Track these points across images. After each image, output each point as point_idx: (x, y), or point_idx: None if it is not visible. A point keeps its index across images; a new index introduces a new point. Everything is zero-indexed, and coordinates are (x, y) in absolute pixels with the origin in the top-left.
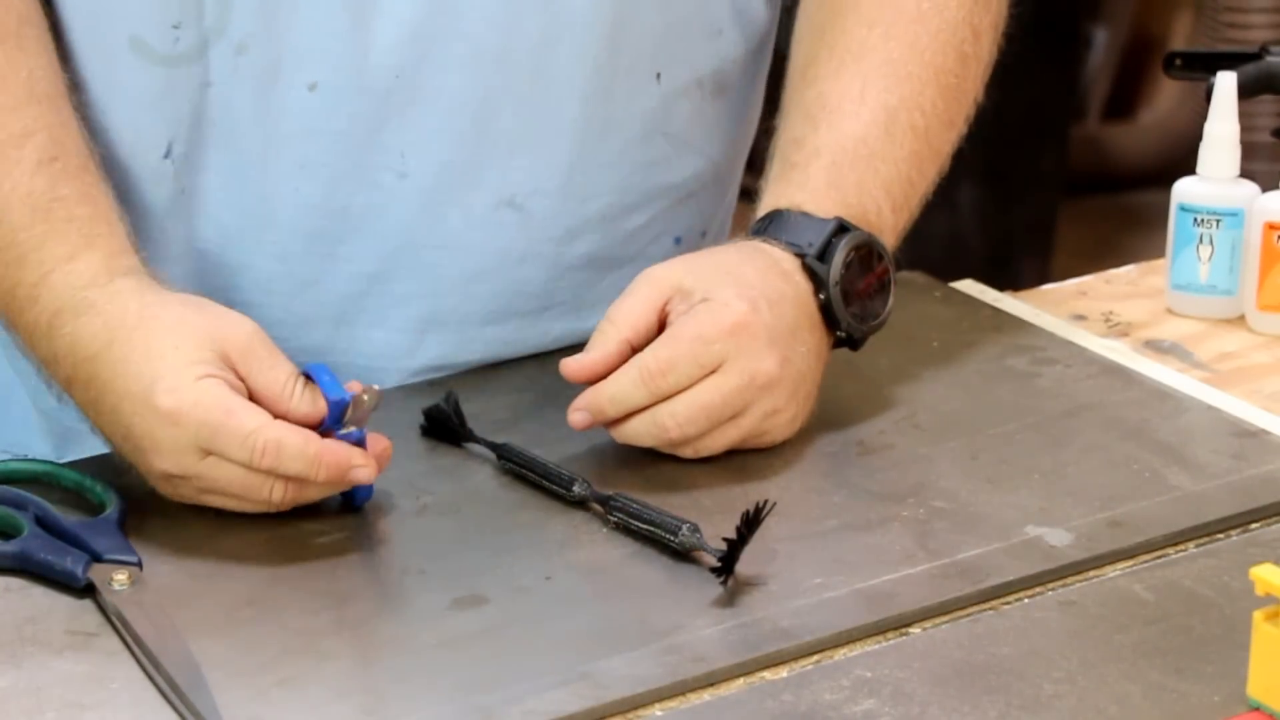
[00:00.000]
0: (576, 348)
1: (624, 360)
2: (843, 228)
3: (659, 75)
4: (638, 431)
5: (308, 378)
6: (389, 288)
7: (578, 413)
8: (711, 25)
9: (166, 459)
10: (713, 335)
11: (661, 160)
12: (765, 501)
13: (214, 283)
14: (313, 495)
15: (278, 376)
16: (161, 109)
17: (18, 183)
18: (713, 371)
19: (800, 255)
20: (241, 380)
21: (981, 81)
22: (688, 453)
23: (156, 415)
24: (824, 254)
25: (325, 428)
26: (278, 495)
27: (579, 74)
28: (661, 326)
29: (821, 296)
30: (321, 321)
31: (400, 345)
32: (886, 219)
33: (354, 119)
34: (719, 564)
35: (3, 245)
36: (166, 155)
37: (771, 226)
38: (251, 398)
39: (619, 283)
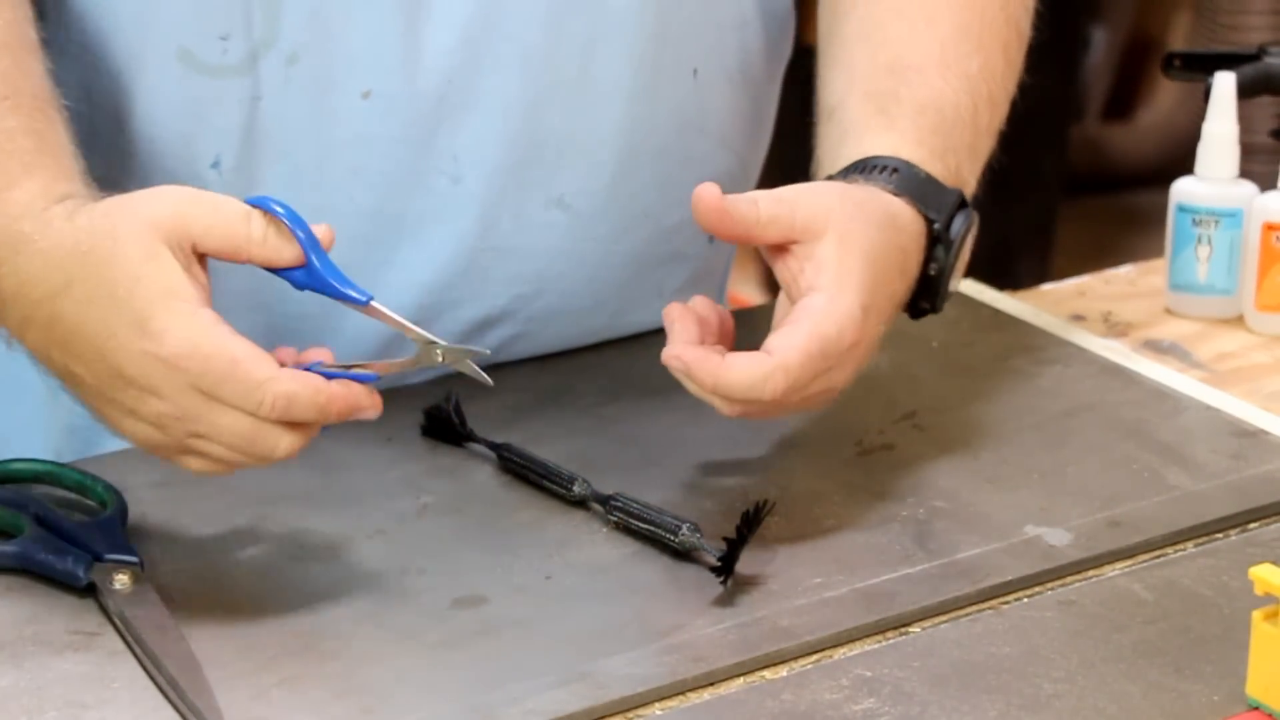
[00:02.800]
0: (619, 343)
1: (744, 232)
2: (962, 201)
3: (696, 70)
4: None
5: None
6: (442, 295)
7: (675, 360)
8: (739, 16)
9: (166, 401)
10: (834, 352)
11: (698, 156)
12: (765, 501)
13: (267, 295)
14: (312, 436)
15: (223, 232)
16: (209, 120)
17: None
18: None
19: (931, 223)
20: (198, 248)
21: (1023, 63)
22: (739, 415)
23: (151, 360)
24: (947, 226)
25: (309, 267)
26: (284, 449)
27: (624, 72)
28: (779, 249)
29: (933, 269)
30: (373, 331)
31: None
32: (970, 189)
33: (407, 125)
34: (719, 564)
35: None
36: (214, 165)
37: (900, 179)
38: (211, 255)
39: (661, 280)
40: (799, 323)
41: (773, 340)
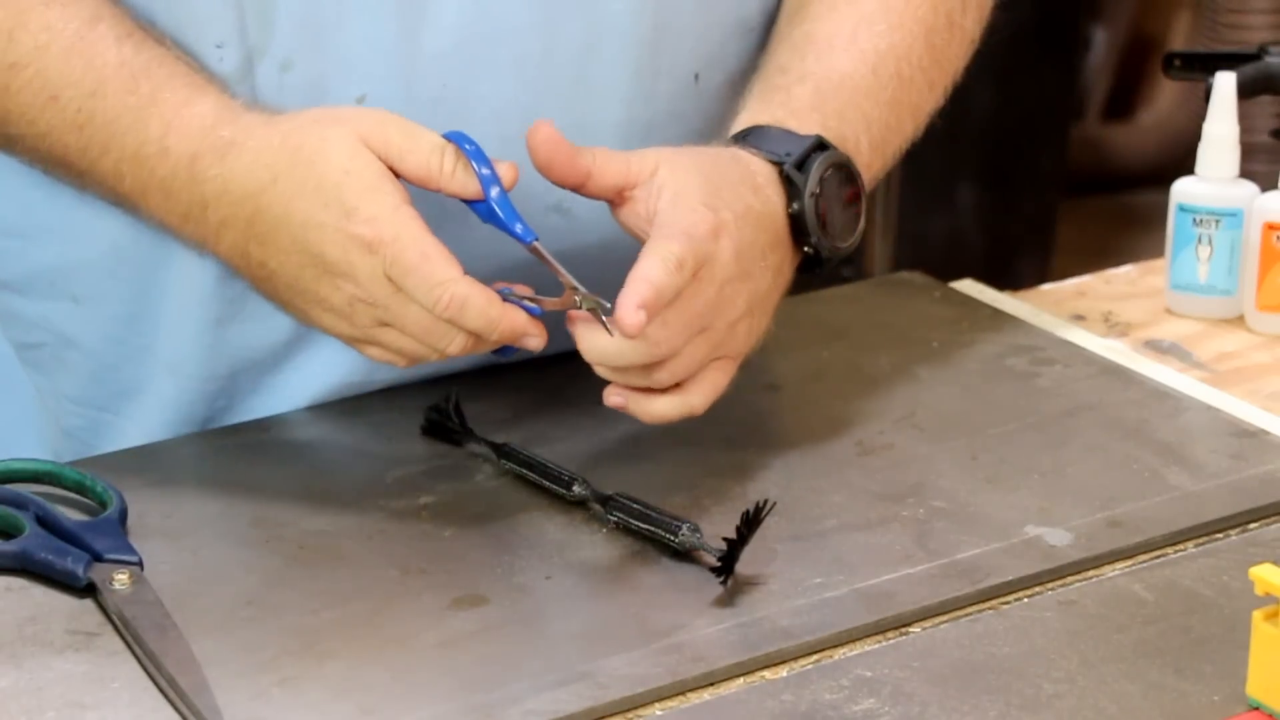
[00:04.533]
0: None
1: (578, 176)
2: (821, 144)
3: (697, 76)
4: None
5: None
6: None
7: (633, 313)
8: (744, 23)
9: (361, 284)
10: (700, 235)
11: None
12: (765, 501)
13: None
14: (483, 349)
15: (420, 159)
16: None
17: (107, 57)
18: (693, 277)
19: (778, 164)
20: (394, 169)
21: (964, 58)
22: (664, 379)
23: (354, 242)
24: (801, 166)
25: (486, 204)
26: (455, 348)
27: (621, 77)
28: (618, 201)
29: (795, 207)
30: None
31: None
32: (864, 153)
33: None
34: (719, 564)
35: (114, 116)
36: None
37: (750, 137)
38: (405, 178)
39: None
40: (650, 240)
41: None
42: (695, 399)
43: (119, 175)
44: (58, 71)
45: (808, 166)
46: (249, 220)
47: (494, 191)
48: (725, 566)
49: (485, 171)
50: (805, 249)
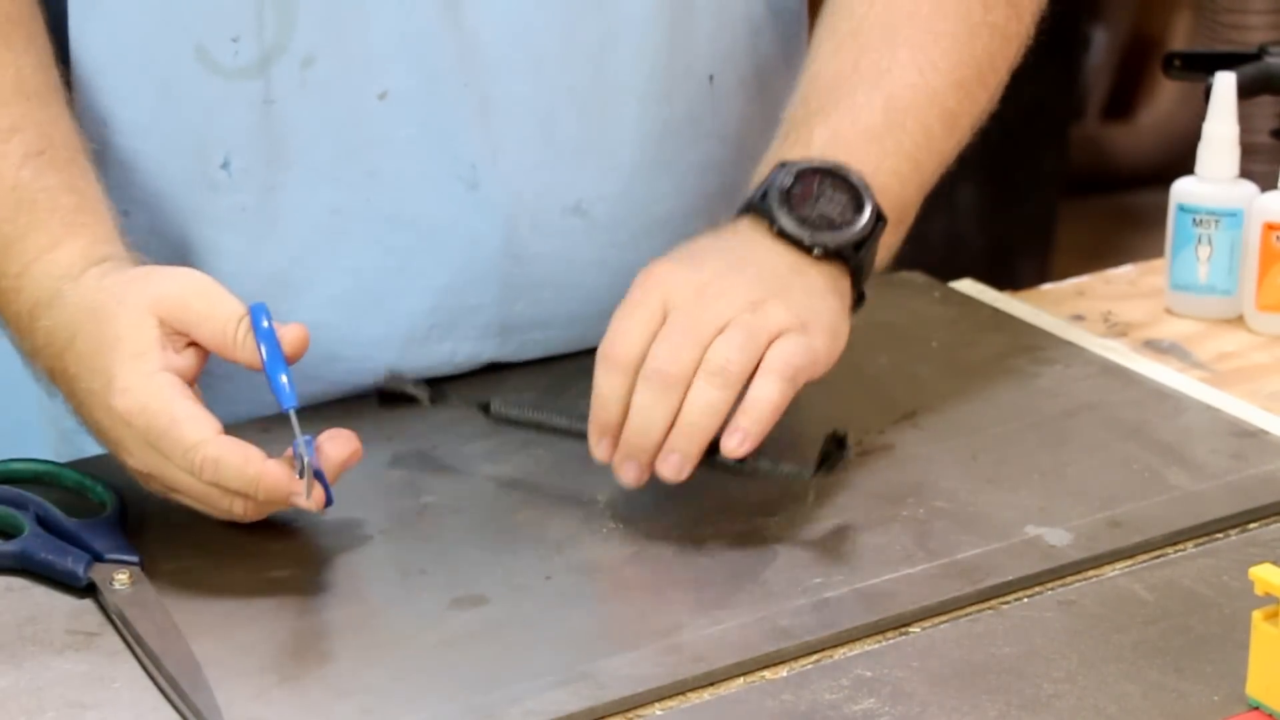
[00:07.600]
0: None
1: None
2: (781, 164)
3: (711, 77)
4: (699, 402)
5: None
6: (460, 300)
7: (626, 465)
8: (753, 21)
9: (134, 456)
10: (633, 299)
11: (715, 164)
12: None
13: (280, 305)
14: (275, 508)
15: (216, 327)
16: (220, 120)
17: (4, 176)
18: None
19: (750, 208)
20: (189, 335)
21: (1006, 52)
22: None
23: (113, 415)
24: (765, 194)
25: (276, 371)
26: (239, 509)
27: (638, 77)
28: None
29: (776, 227)
30: (391, 339)
31: (466, 352)
32: (861, 149)
33: (423, 127)
34: (823, 456)
35: None
36: (223, 166)
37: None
38: (203, 345)
39: None
40: None
41: None
42: (742, 420)
43: None
44: None
45: (772, 182)
46: (60, 377)
47: (268, 369)
48: (826, 462)
49: (264, 346)
50: (814, 253)
